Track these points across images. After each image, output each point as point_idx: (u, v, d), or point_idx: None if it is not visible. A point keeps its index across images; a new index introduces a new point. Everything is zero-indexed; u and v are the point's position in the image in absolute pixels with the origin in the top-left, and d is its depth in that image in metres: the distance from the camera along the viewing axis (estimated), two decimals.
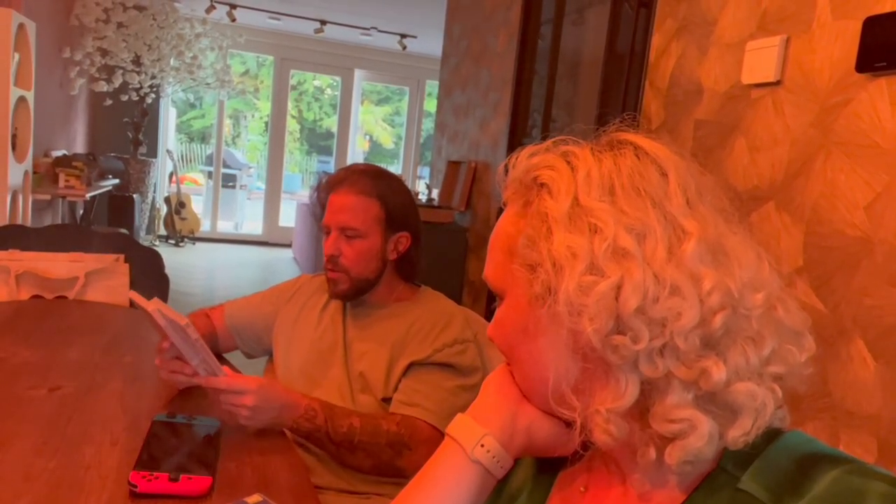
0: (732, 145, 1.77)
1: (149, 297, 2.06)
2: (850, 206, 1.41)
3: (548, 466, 0.67)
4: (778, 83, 1.62)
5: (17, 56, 3.65)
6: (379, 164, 1.52)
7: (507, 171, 0.61)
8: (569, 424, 0.61)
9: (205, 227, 7.92)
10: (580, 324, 0.51)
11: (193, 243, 7.57)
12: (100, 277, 1.98)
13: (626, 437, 0.53)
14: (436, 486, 0.59)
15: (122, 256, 2.06)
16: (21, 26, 3.69)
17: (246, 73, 9.90)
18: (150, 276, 2.17)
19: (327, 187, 1.39)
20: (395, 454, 1.20)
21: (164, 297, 2.19)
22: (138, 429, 1.08)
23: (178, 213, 7.32)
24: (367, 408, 1.32)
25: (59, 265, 1.93)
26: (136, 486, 0.90)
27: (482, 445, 0.58)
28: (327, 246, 1.37)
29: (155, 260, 2.24)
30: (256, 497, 0.90)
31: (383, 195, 1.36)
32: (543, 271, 0.53)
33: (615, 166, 0.55)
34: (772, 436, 0.53)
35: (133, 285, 2.08)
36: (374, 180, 1.37)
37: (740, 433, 0.50)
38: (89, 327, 1.64)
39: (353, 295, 1.39)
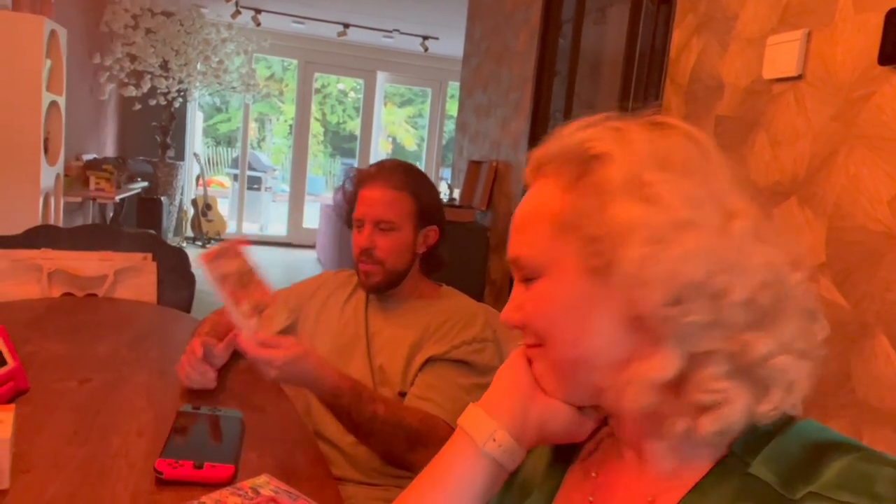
0: (754, 140, 1.76)
1: (174, 293, 2.10)
2: (873, 201, 1.39)
3: (561, 454, 0.67)
4: (799, 77, 1.61)
5: (48, 62, 3.74)
6: None
7: (540, 148, 0.61)
8: (583, 408, 0.62)
9: (231, 228, 8.02)
10: (636, 295, 0.51)
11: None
12: (128, 275, 2.03)
13: (656, 407, 0.53)
14: (448, 478, 0.59)
15: (149, 255, 2.10)
16: (53, 33, 3.79)
17: (271, 76, 10.02)
18: (176, 274, 2.22)
19: (357, 182, 1.41)
20: (408, 448, 1.21)
21: (190, 295, 2.23)
22: (164, 419, 1.11)
23: (204, 215, 7.43)
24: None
25: (89, 263, 1.99)
26: (161, 473, 0.92)
27: (494, 440, 0.58)
28: (362, 239, 1.38)
29: (182, 259, 2.29)
30: (264, 477, 0.92)
31: (415, 190, 1.39)
32: (599, 243, 0.53)
33: (667, 142, 0.56)
34: (784, 423, 0.53)
35: (160, 284, 2.13)
36: (406, 175, 1.41)
37: (770, 407, 0.51)
38: (117, 323, 1.69)
39: (386, 287, 1.41)
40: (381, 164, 1.44)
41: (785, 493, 0.48)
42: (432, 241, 1.43)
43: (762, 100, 1.74)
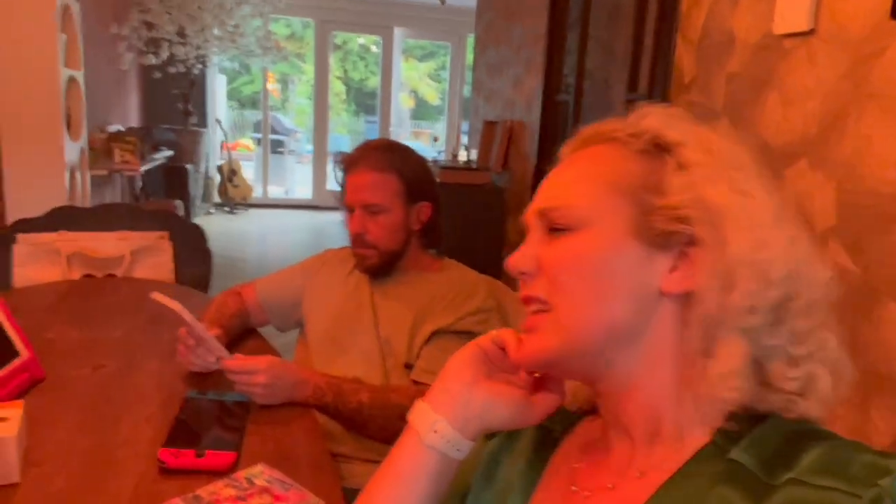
0: (765, 100, 1.70)
1: (192, 270, 2.14)
2: (884, 163, 1.34)
3: (542, 449, 0.68)
4: (811, 32, 1.54)
5: (63, 37, 3.75)
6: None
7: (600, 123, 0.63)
8: (539, 389, 0.63)
9: (257, 192, 8.09)
10: (725, 278, 0.53)
11: (247, 210, 7.77)
12: (145, 255, 2.08)
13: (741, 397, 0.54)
14: (397, 470, 0.62)
15: (165, 234, 2.14)
16: (65, 7, 3.79)
17: (291, 35, 9.91)
18: (193, 250, 2.26)
19: (344, 168, 1.42)
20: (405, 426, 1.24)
21: (207, 268, 2.27)
22: (172, 405, 1.15)
23: (230, 180, 7.50)
24: (395, 371, 1.36)
25: (106, 244, 2.03)
26: (164, 463, 0.96)
27: (435, 431, 0.60)
28: (353, 225, 1.40)
29: (198, 235, 2.33)
30: (259, 467, 0.96)
31: (399, 168, 1.39)
32: (669, 214, 0.55)
33: (737, 146, 0.58)
34: (762, 416, 0.55)
35: (180, 260, 2.17)
36: (389, 154, 1.40)
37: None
38: (133, 305, 1.72)
39: (382, 268, 1.43)
40: (364, 147, 1.44)
41: (764, 477, 0.50)
42: (426, 217, 1.43)
43: (773, 56, 1.67)
